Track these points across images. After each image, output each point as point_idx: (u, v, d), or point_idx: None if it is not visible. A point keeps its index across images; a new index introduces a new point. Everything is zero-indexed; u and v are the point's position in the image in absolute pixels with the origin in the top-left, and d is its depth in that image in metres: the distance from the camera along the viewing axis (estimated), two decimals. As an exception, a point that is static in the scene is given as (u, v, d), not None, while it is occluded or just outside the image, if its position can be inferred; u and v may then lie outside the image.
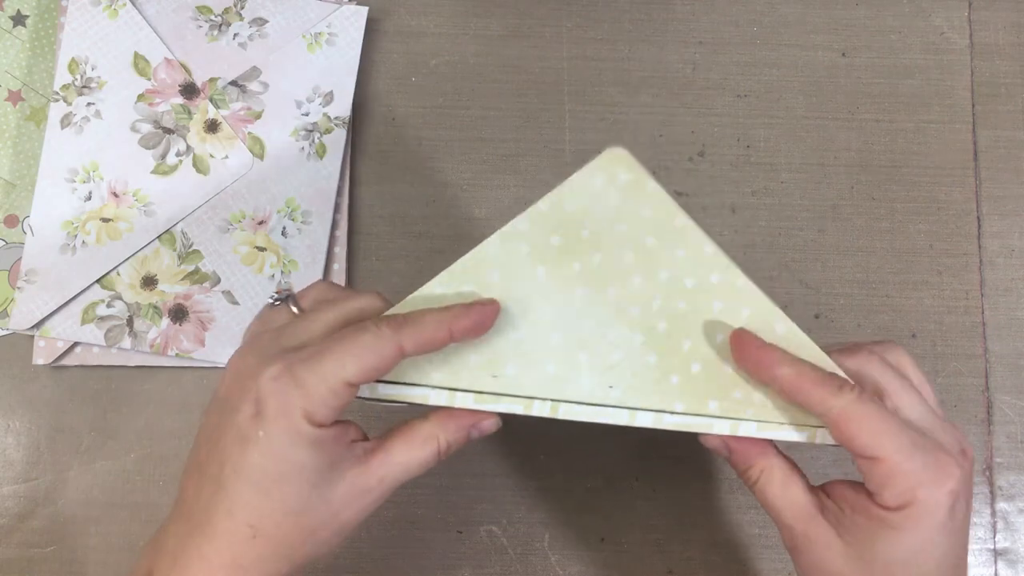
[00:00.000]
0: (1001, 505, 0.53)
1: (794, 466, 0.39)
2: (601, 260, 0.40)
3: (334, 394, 0.34)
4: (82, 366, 0.52)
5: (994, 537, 0.52)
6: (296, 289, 0.42)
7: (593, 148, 0.55)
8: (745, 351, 0.38)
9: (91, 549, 0.51)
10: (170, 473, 0.52)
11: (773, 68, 0.56)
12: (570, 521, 0.52)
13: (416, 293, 0.39)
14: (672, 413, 0.39)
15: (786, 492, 0.38)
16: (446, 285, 0.40)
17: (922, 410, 0.38)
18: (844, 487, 0.38)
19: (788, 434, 0.38)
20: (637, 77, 0.56)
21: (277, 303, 0.40)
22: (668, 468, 0.52)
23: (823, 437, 0.38)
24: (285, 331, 0.37)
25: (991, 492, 0.53)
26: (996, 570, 0.52)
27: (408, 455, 0.37)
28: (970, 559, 0.52)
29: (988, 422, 0.53)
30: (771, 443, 0.39)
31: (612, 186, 0.39)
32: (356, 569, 0.50)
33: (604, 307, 0.40)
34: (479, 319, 0.37)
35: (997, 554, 0.52)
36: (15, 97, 0.54)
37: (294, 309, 0.39)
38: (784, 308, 0.54)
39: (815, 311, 0.54)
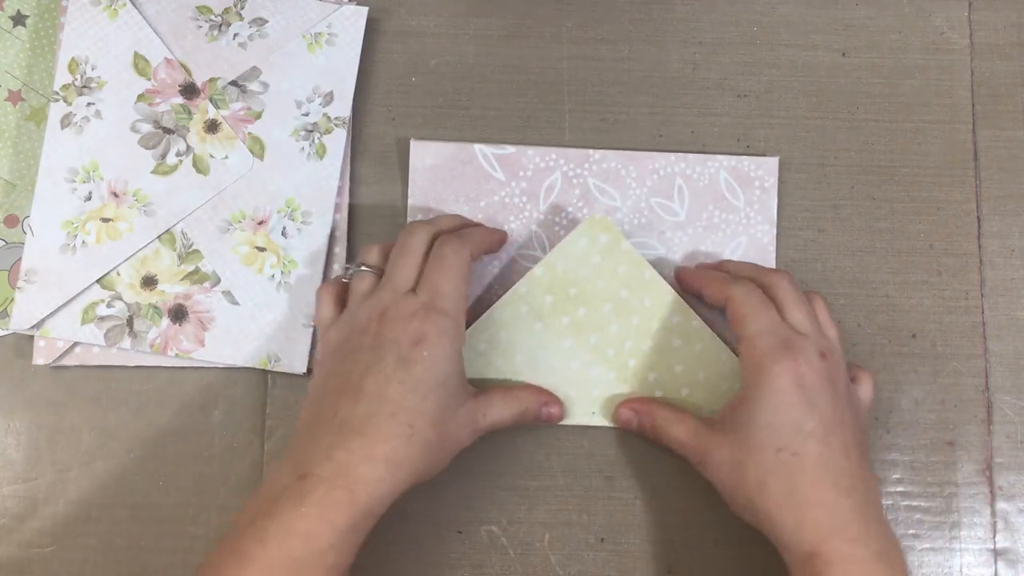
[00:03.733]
0: (1001, 505, 0.53)
1: (681, 410, 0.49)
2: (585, 313, 0.50)
3: (462, 309, 0.46)
4: (82, 366, 0.52)
5: (994, 537, 0.52)
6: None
7: (593, 148, 0.55)
8: (691, 277, 0.51)
9: (91, 549, 0.51)
10: (170, 473, 0.52)
11: (773, 68, 0.56)
12: (570, 521, 0.52)
13: None
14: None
15: (680, 426, 0.48)
16: (468, 344, 0.50)
17: (802, 318, 0.47)
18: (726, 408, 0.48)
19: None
20: (637, 77, 0.56)
21: (350, 274, 0.49)
22: (668, 468, 0.52)
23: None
24: (392, 280, 0.46)
25: (991, 492, 0.53)
26: (996, 570, 0.52)
27: (504, 406, 0.48)
28: (970, 559, 0.52)
29: (988, 422, 0.53)
30: (658, 401, 0.50)
31: (593, 247, 0.50)
32: (356, 567, 0.50)
33: (587, 352, 0.51)
34: (497, 235, 0.52)
35: (997, 554, 0.52)
36: (15, 97, 0.54)
37: (368, 269, 0.48)
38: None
39: (815, 311, 0.54)
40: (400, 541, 0.51)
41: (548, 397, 0.50)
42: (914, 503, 0.53)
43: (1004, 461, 0.53)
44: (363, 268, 0.48)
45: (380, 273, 0.48)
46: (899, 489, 0.53)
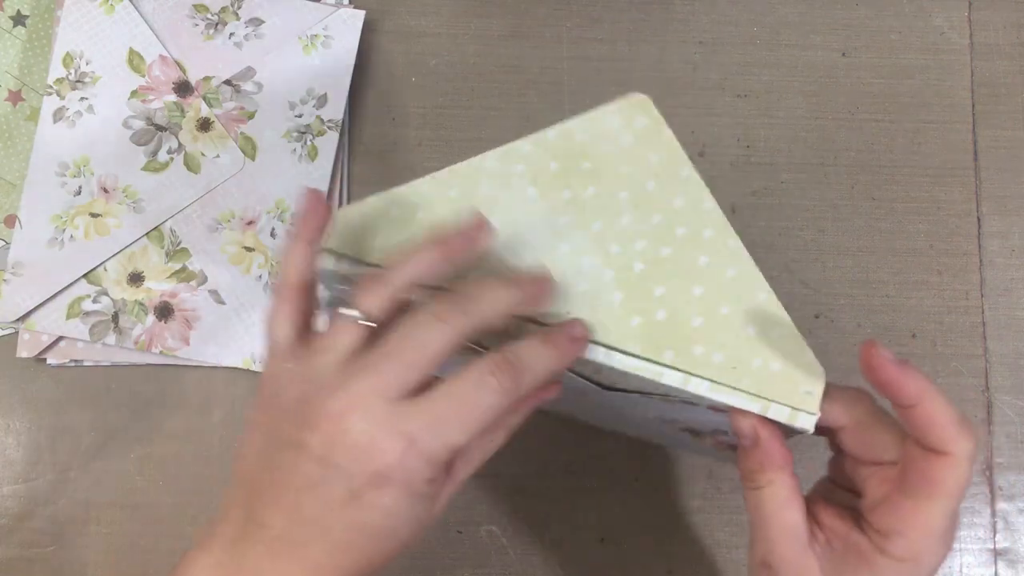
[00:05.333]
0: (1001, 505, 0.53)
1: (798, 487, 0.37)
2: (594, 193, 0.40)
3: (453, 454, 0.34)
4: (83, 365, 0.52)
5: (994, 537, 0.52)
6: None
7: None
8: (880, 369, 0.35)
9: (91, 549, 0.51)
10: (170, 473, 0.52)
11: (773, 68, 0.56)
12: (570, 521, 0.52)
13: (397, 190, 0.40)
14: (625, 353, 0.38)
15: (785, 513, 0.37)
16: (434, 183, 0.40)
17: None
18: (834, 518, 0.37)
19: (740, 400, 0.37)
20: (637, 77, 0.56)
21: (337, 307, 0.36)
22: (668, 468, 0.52)
23: (776, 412, 0.37)
24: (381, 366, 0.33)
25: (991, 492, 0.53)
26: (996, 570, 0.52)
27: (481, 455, 0.37)
28: (970, 559, 0.52)
29: (988, 422, 0.53)
30: (791, 454, 0.38)
31: (627, 129, 0.40)
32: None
33: (584, 237, 0.39)
34: (575, 348, 0.37)
35: (997, 554, 0.52)
36: (15, 97, 0.54)
37: (364, 321, 0.35)
38: (784, 308, 0.54)
39: (815, 311, 0.54)
40: (400, 541, 0.51)
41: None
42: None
43: (1004, 461, 0.53)
44: (353, 313, 0.35)
45: (372, 332, 0.35)
46: (899, 489, 0.53)
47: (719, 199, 0.55)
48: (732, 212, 0.55)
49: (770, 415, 0.37)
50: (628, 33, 0.56)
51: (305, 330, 0.37)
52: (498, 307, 0.35)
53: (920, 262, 0.55)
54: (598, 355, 0.38)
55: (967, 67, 0.57)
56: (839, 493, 0.39)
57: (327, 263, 0.39)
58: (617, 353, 0.38)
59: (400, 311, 0.35)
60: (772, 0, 0.57)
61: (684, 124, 0.56)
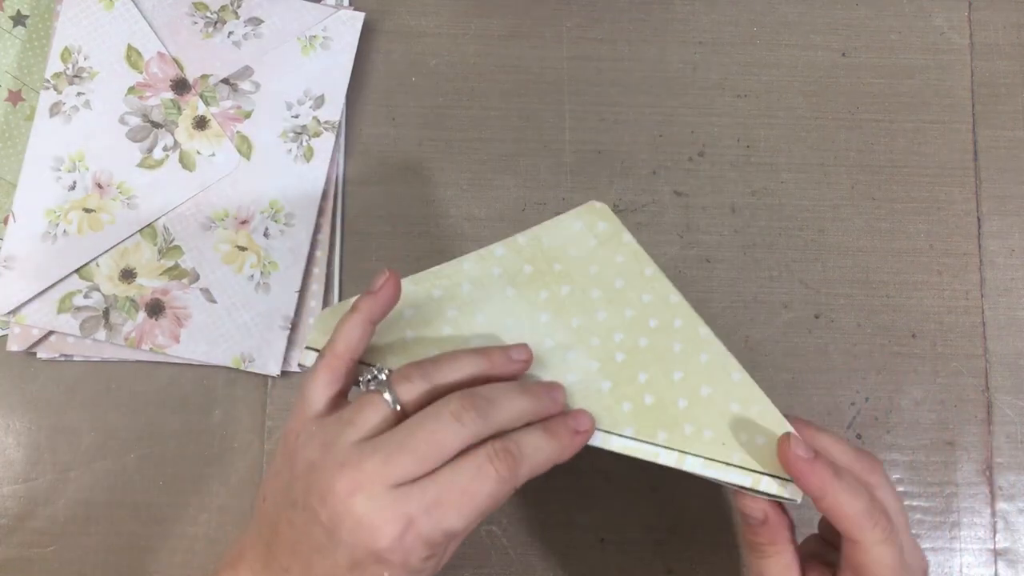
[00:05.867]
0: (1001, 505, 0.53)
1: (799, 553, 0.40)
2: (569, 292, 0.43)
3: (449, 538, 0.35)
4: (82, 364, 0.52)
5: (994, 537, 0.52)
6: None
7: (593, 148, 0.55)
8: (789, 464, 0.38)
9: (91, 549, 0.51)
10: (170, 473, 0.52)
11: (773, 68, 0.56)
12: (570, 521, 0.52)
13: None
14: (621, 436, 0.40)
15: None
16: (416, 283, 0.42)
17: (912, 547, 0.40)
18: None
19: (733, 476, 0.40)
20: (637, 77, 0.56)
21: (372, 386, 0.37)
22: (668, 468, 0.52)
23: (767, 485, 0.39)
24: (393, 456, 0.35)
25: (991, 492, 0.53)
26: (996, 570, 0.52)
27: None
28: (970, 559, 0.52)
29: (988, 422, 0.53)
30: (793, 525, 0.40)
31: (590, 233, 0.43)
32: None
33: (566, 332, 0.42)
34: (578, 441, 0.39)
35: (997, 554, 0.52)
36: (15, 97, 0.54)
37: (397, 407, 0.36)
38: (784, 308, 0.54)
39: (815, 311, 0.54)
40: (400, 541, 0.51)
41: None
42: (914, 503, 0.53)
43: (1004, 461, 0.53)
44: (385, 395, 0.37)
45: (399, 417, 0.36)
46: (899, 489, 0.53)
47: (719, 199, 0.55)
48: (732, 212, 0.55)
49: (762, 488, 0.39)
50: (628, 33, 0.56)
51: (338, 399, 0.39)
52: (515, 415, 0.37)
53: (920, 262, 0.55)
54: (595, 439, 0.40)
55: (967, 67, 0.57)
56: (828, 550, 0.42)
57: (312, 361, 0.40)
58: (614, 437, 0.41)
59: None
60: (772, 0, 0.57)
61: (684, 124, 0.56)
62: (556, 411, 0.39)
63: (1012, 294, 0.54)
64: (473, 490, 0.35)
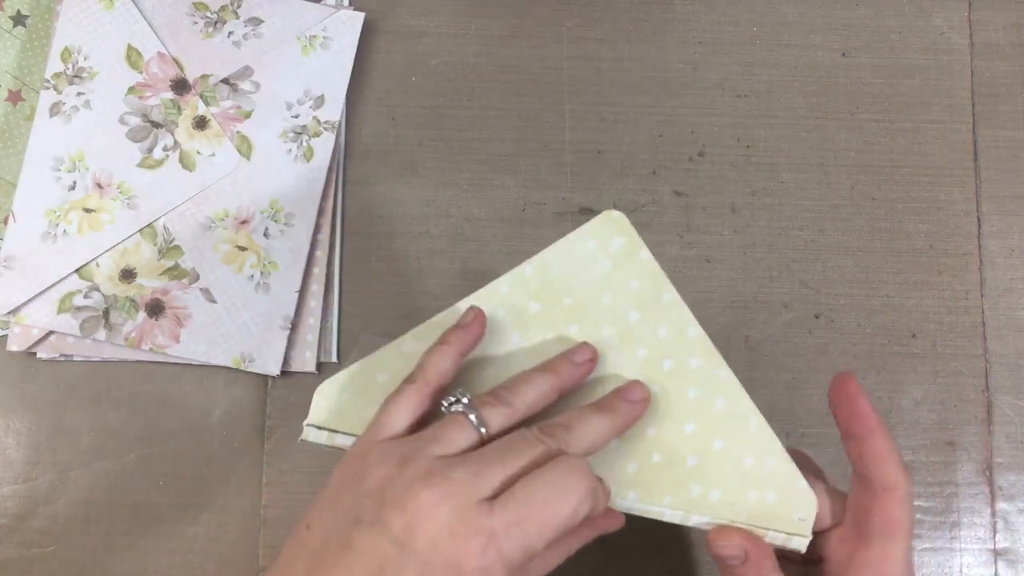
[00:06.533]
0: (1001, 505, 0.53)
1: None
2: (578, 331, 0.40)
3: (529, 559, 0.34)
4: (82, 364, 0.52)
5: (994, 537, 0.52)
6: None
7: (593, 148, 0.55)
8: (854, 399, 0.38)
9: (91, 549, 0.51)
10: (170, 473, 0.52)
11: (773, 68, 0.56)
12: (570, 521, 0.52)
13: (380, 353, 0.40)
14: (624, 500, 0.39)
15: None
16: (421, 338, 0.40)
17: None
18: None
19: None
20: (637, 77, 0.56)
21: (456, 409, 0.37)
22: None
23: (772, 537, 0.38)
24: (484, 470, 0.34)
25: (991, 492, 0.53)
26: (996, 570, 0.52)
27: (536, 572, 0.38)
28: (970, 559, 0.52)
29: (988, 422, 0.53)
30: (773, 552, 0.39)
31: (604, 252, 0.40)
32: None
33: None
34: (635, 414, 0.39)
35: (997, 554, 0.52)
36: (15, 97, 0.54)
37: (482, 430, 0.36)
38: (784, 308, 0.54)
39: (815, 311, 0.54)
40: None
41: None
42: (914, 503, 0.53)
43: (1004, 461, 0.53)
44: (471, 418, 0.36)
45: (482, 441, 0.36)
46: (899, 489, 0.53)
47: (719, 199, 0.55)
48: (732, 212, 0.55)
49: (767, 540, 0.38)
50: (628, 33, 0.56)
51: (415, 427, 0.38)
52: (596, 440, 0.37)
53: (920, 262, 0.55)
54: None
55: (967, 67, 0.57)
56: (791, 566, 0.40)
57: (318, 437, 0.39)
58: (618, 500, 0.39)
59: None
60: (772, 0, 0.57)
61: (684, 124, 0.56)
62: (636, 421, 0.39)
63: (1012, 294, 0.54)
64: (555, 506, 0.34)
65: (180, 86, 0.53)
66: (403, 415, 0.37)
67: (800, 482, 0.39)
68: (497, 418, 0.37)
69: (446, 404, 0.37)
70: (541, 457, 0.35)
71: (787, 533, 0.38)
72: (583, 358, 0.39)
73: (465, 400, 0.37)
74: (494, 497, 0.34)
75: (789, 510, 0.38)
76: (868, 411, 0.37)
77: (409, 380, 0.38)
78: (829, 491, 0.40)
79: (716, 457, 0.38)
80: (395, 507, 0.33)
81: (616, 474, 0.39)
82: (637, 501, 0.39)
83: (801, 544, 0.38)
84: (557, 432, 0.36)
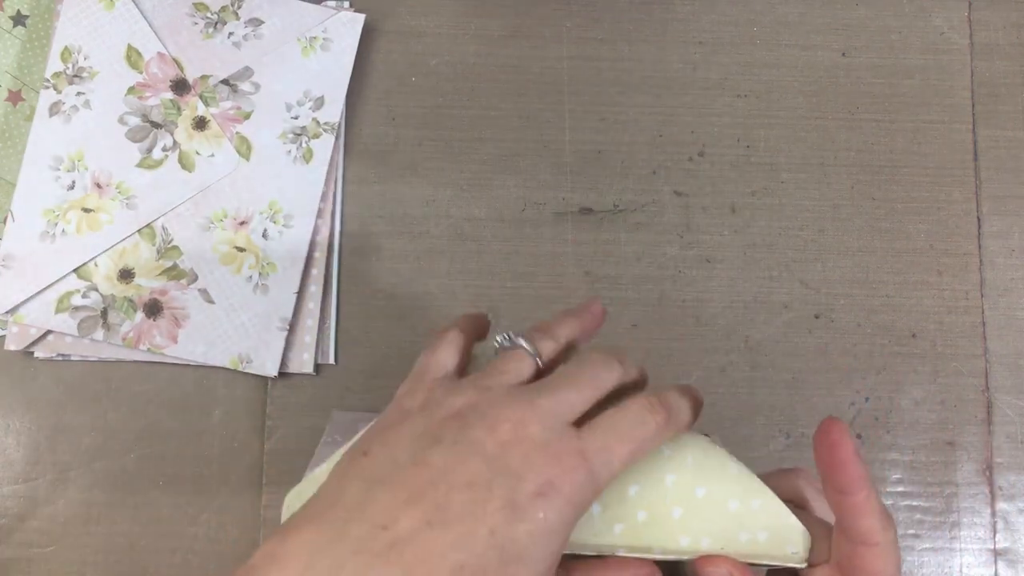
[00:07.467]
0: (1001, 505, 0.53)
1: None
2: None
3: (611, 479, 0.34)
4: (82, 364, 0.52)
5: (994, 537, 0.52)
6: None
7: (593, 148, 0.55)
8: (838, 447, 0.36)
9: (91, 549, 0.51)
10: (170, 473, 0.52)
11: (773, 68, 0.56)
12: (570, 521, 0.52)
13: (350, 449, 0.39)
14: (614, 556, 0.38)
15: None
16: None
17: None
18: None
19: None
20: (637, 77, 0.56)
21: (508, 342, 0.38)
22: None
23: (766, 563, 0.38)
24: (562, 392, 0.35)
25: (991, 492, 0.53)
26: (996, 570, 0.52)
27: None
28: (970, 559, 0.52)
29: (988, 422, 0.53)
30: None
31: None
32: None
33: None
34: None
35: (997, 554, 0.52)
36: (15, 97, 0.54)
37: (538, 360, 0.37)
38: (784, 308, 0.54)
39: (815, 311, 0.54)
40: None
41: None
42: (914, 503, 0.53)
43: (1004, 461, 0.53)
44: (525, 346, 0.38)
45: (540, 371, 0.38)
46: (899, 489, 0.53)
47: (719, 199, 0.55)
48: (732, 212, 0.55)
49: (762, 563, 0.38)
50: (628, 33, 0.56)
51: (462, 368, 0.39)
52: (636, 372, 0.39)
53: (920, 262, 0.55)
54: (587, 552, 0.37)
55: (967, 67, 0.57)
56: None
57: None
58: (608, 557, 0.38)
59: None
60: (772, 0, 0.57)
61: (684, 124, 0.56)
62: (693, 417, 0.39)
63: (1012, 294, 0.54)
64: (634, 435, 0.35)
65: (180, 86, 0.53)
66: (452, 353, 0.38)
67: (790, 517, 0.38)
68: (548, 347, 0.38)
69: (499, 340, 0.39)
70: (611, 374, 0.37)
71: (782, 565, 0.38)
72: (598, 310, 0.42)
73: (513, 333, 0.39)
74: (578, 423, 0.35)
75: (781, 546, 0.38)
76: (850, 460, 0.35)
77: (442, 329, 0.40)
78: (819, 525, 0.39)
79: (701, 503, 0.38)
80: (486, 427, 0.33)
81: (602, 538, 0.37)
82: (626, 555, 0.38)
83: (800, 562, 0.38)
84: (620, 354, 0.38)
